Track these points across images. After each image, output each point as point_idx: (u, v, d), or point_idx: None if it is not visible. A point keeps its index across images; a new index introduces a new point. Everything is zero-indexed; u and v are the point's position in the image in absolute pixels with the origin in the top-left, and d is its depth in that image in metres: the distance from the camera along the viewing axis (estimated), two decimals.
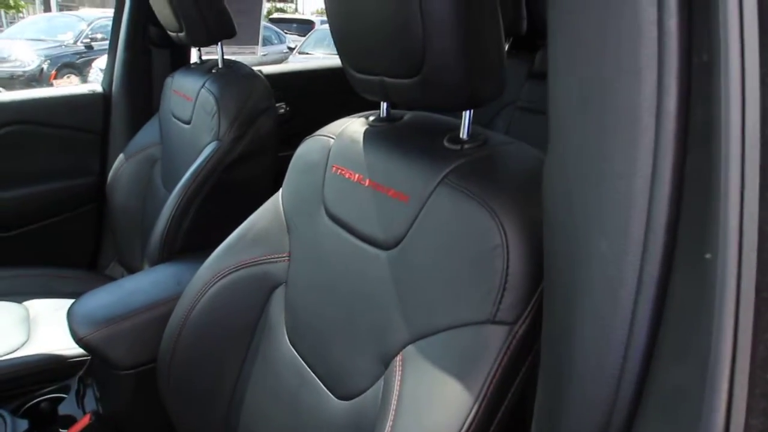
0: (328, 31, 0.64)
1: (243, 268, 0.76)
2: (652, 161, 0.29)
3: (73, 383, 0.98)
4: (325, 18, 0.67)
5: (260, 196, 0.83)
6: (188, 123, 1.22)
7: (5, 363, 0.95)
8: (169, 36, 1.29)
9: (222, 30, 1.19)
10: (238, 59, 1.31)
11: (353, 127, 0.71)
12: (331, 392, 0.66)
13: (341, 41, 0.63)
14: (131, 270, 1.36)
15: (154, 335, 0.83)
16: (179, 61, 1.51)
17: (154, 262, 1.08)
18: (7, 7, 14.27)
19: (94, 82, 1.72)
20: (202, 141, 1.13)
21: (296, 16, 14.28)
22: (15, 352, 0.98)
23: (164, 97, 1.35)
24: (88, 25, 7.45)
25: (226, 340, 0.77)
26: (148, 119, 1.41)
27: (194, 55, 1.36)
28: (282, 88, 1.55)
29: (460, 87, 0.54)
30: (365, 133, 0.68)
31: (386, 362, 0.58)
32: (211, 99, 1.14)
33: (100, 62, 5.83)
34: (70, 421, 0.93)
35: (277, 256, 0.76)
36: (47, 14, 10.71)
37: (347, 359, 0.64)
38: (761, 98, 0.25)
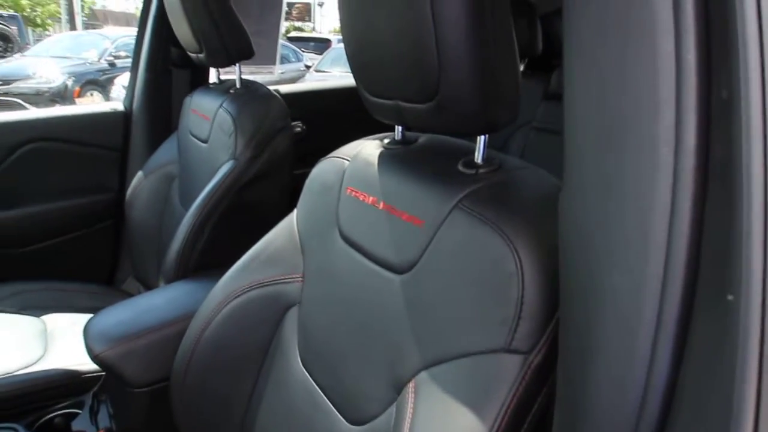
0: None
1: (257, 288, 0.76)
2: (670, 197, 0.28)
3: (87, 399, 0.99)
4: (341, 37, 0.68)
5: (275, 216, 0.83)
6: (206, 142, 1.24)
7: (22, 378, 0.96)
8: (189, 57, 1.32)
9: (241, 52, 1.21)
10: (256, 78, 1.33)
11: (368, 149, 0.71)
12: (342, 416, 0.65)
13: (357, 67, 0.64)
14: (147, 286, 1.37)
15: (168, 353, 0.83)
16: (198, 81, 1.54)
17: (170, 280, 1.09)
18: (35, 25, 14.79)
19: (115, 99, 1.76)
20: (219, 160, 1.15)
21: (313, 34, 14.49)
22: (31, 366, 0.99)
23: (183, 116, 1.38)
24: (112, 43, 7.67)
25: (239, 360, 0.77)
26: (167, 137, 1.44)
27: (213, 75, 1.39)
28: (298, 107, 1.57)
29: (476, 114, 0.54)
30: (380, 155, 0.68)
31: (398, 388, 0.57)
32: (229, 119, 1.15)
33: (123, 79, 5.98)
34: None
35: (291, 276, 0.76)
36: (73, 32, 11.02)
37: (359, 383, 0.64)
38: None
